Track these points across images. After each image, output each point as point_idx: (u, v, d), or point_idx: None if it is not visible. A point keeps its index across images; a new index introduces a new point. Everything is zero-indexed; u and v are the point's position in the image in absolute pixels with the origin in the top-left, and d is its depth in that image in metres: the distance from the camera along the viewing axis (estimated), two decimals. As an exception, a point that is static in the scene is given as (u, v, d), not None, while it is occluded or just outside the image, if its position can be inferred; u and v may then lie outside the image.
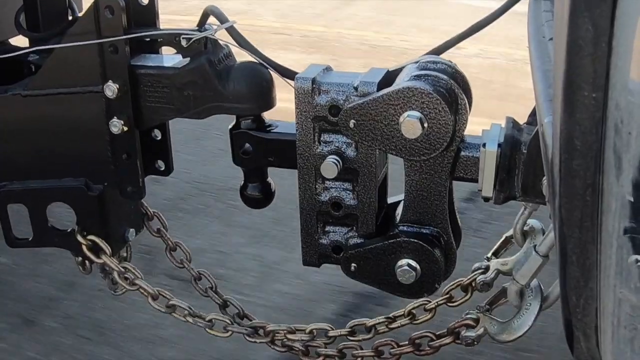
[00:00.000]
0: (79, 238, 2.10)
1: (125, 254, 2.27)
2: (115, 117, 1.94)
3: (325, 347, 2.08)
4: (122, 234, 2.18)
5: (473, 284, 1.93)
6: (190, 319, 2.11)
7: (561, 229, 1.00)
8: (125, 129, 1.95)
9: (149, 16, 2.00)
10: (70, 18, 2.25)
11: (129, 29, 1.90)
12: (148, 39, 1.98)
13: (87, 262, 2.18)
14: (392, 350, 2.01)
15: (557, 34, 0.97)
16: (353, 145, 1.80)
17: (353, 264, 1.87)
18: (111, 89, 1.90)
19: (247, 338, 2.11)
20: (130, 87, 1.93)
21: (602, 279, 0.99)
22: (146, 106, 1.96)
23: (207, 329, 2.12)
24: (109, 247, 2.11)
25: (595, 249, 0.98)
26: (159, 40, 1.99)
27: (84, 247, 2.11)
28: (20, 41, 2.27)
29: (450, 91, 1.67)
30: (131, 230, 2.20)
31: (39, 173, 2.08)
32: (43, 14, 2.17)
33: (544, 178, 1.61)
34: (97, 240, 2.11)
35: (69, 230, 2.12)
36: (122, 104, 1.93)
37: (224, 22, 1.91)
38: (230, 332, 2.11)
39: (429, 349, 1.98)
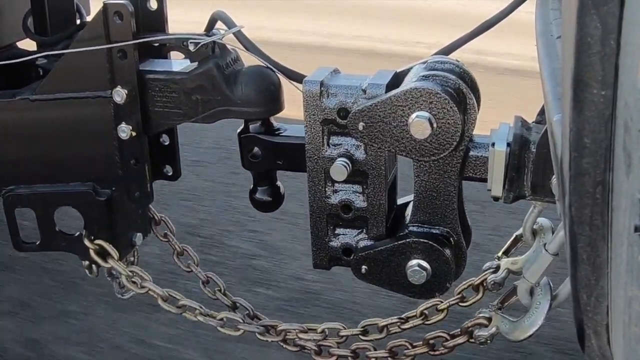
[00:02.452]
0: (87, 242, 2.10)
1: (132, 258, 2.27)
2: (123, 123, 1.95)
3: (338, 347, 2.07)
4: (129, 238, 2.18)
5: (484, 284, 1.93)
6: (201, 318, 2.11)
7: (571, 227, 1.00)
8: (134, 134, 1.96)
9: (158, 21, 2.01)
10: (78, 22, 2.26)
11: (137, 34, 1.91)
12: (156, 44, 1.99)
13: (94, 266, 2.18)
14: (406, 350, 2.01)
15: (565, 32, 0.97)
16: (362, 148, 1.80)
17: (364, 266, 1.87)
18: (120, 94, 1.91)
19: (259, 337, 2.11)
20: (138, 92, 1.93)
21: (613, 277, 0.98)
22: (154, 111, 1.96)
23: (218, 328, 2.12)
24: (116, 252, 2.12)
25: (605, 247, 0.97)
26: (167, 45, 1.99)
27: (92, 252, 2.11)
28: (27, 44, 2.27)
29: (458, 91, 1.67)
30: (138, 234, 2.20)
31: (46, 177, 2.08)
32: (51, 18, 2.18)
33: (554, 176, 1.60)
34: (105, 244, 2.11)
35: (76, 235, 2.13)
36: (131, 109, 1.94)
37: (232, 27, 1.92)
38: (242, 331, 2.11)
39: (443, 349, 1.98)
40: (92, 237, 2.11)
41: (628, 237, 0.91)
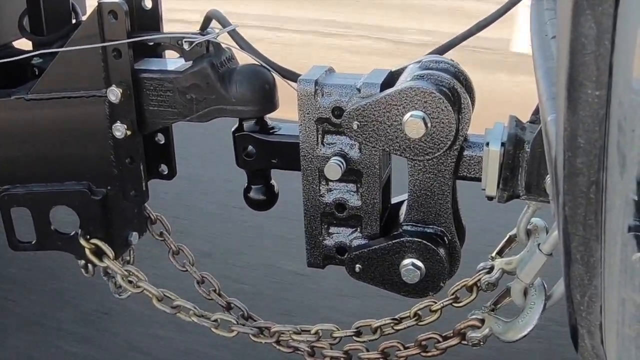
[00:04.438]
0: (82, 242, 2.10)
1: (128, 257, 2.27)
2: (118, 122, 1.95)
3: (331, 349, 2.07)
4: (125, 237, 2.18)
5: (478, 284, 1.92)
6: (195, 319, 2.11)
7: (565, 227, 1.00)
8: (129, 133, 1.95)
9: (153, 20, 2.01)
10: (73, 21, 2.26)
11: (132, 33, 1.91)
12: (151, 43, 1.99)
13: (90, 265, 2.18)
14: (398, 352, 2.01)
15: (560, 32, 0.97)
16: (356, 147, 1.81)
17: (357, 265, 1.87)
18: (114, 93, 1.91)
19: (253, 338, 2.11)
20: (133, 91, 1.93)
21: (606, 276, 0.98)
22: (149, 110, 1.97)
23: (212, 329, 2.12)
24: (112, 251, 2.12)
25: (599, 247, 0.98)
26: (161, 44, 2.00)
27: (87, 251, 2.11)
28: (23, 44, 2.27)
29: (452, 90, 1.67)
30: (134, 233, 2.20)
31: (42, 177, 2.08)
32: (47, 17, 2.17)
33: (548, 176, 1.61)
34: (100, 243, 2.11)
35: (72, 234, 2.13)
36: (126, 108, 1.94)
37: (226, 26, 1.93)
38: (235, 332, 2.11)
39: (435, 350, 1.97)
40: (88, 237, 2.11)
41: (622, 237, 0.91)
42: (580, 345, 1.09)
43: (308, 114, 1.80)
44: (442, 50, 1.87)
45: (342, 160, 1.79)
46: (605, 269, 0.99)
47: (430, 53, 1.84)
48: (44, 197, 2.09)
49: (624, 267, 0.93)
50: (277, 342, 2.10)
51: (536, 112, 1.73)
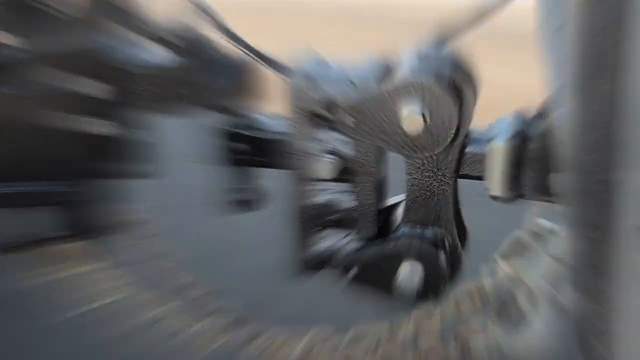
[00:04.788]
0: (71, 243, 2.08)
1: (115, 259, 2.24)
2: (105, 118, 1.93)
3: (327, 354, 2.04)
4: (112, 239, 2.15)
5: (481, 289, 1.91)
6: (183, 325, 2.10)
7: (574, 228, 1.02)
8: (115, 130, 1.94)
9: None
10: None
11: None
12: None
13: (76, 267, 2.17)
14: (396, 358, 1.98)
15: (569, 23, 0.98)
16: (351, 144, 1.75)
17: (352, 270, 1.82)
18: (102, 88, 1.89)
19: (245, 343, 2.09)
20: (120, 87, 1.91)
21: (617, 281, 0.99)
22: (134, 106, 1.94)
23: (201, 334, 2.10)
24: (101, 252, 2.11)
25: (609, 249, 0.98)
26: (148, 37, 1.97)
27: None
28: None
29: (454, 83, 1.62)
30: (121, 235, 2.17)
31: (27, 176, 2.05)
32: None
33: (556, 174, 1.56)
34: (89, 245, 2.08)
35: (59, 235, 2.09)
36: (111, 104, 1.92)
37: (214, 17, 1.90)
38: (225, 338, 2.10)
39: (435, 358, 1.94)
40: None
41: (633, 237, 0.92)
42: (589, 352, 1.10)
43: (299, 108, 1.75)
44: (442, 42, 1.83)
45: (336, 158, 1.74)
46: (616, 272, 0.98)
47: (430, 46, 1.80)
48: (29, 196, 2.05)
49: (636, 270, 0.94)
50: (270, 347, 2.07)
51: (543, 106, 1.69)
